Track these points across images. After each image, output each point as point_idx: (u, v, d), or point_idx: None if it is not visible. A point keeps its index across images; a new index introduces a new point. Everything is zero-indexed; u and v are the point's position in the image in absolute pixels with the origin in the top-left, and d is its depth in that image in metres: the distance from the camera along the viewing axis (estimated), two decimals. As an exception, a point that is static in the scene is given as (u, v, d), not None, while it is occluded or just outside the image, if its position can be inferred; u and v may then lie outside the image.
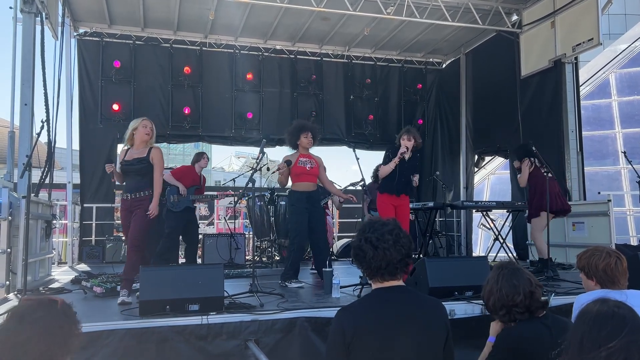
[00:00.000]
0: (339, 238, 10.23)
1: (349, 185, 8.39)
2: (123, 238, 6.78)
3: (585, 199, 7.87)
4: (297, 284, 5.44)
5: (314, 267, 6.34)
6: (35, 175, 5.90)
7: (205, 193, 7.39)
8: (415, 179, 5.68)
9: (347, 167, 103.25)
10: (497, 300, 2.42)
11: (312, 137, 5.81)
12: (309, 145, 5.80)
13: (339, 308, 2.21)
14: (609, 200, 6.99)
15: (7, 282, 5.02)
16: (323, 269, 5.07)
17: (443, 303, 2.30)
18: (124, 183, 4.93)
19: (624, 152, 7.29)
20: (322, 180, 5.92)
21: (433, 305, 2.22)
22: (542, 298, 2.46)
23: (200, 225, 10.71)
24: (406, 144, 5.49)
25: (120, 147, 8.73)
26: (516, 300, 2.37)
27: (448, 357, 2.15)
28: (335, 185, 6.79)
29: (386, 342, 2.02)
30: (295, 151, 5.83)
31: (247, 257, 8.31)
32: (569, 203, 6.76)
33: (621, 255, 2.83)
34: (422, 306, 2.16)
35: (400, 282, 2.19)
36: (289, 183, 5.87)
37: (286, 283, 5.47)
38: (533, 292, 2.40)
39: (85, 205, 8.98)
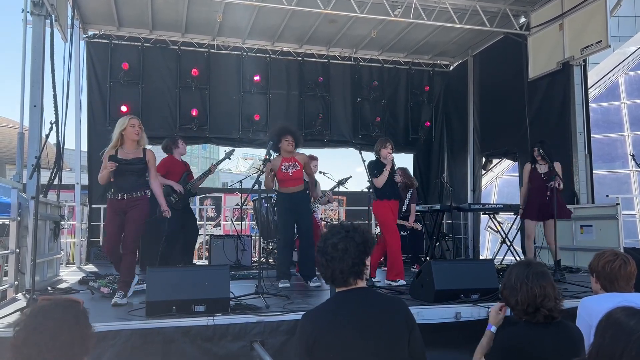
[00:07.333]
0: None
1: (336, 185, 7.83)
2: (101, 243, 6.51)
3: (593, 202, 7.81)
4: (284, 284, 5.49)
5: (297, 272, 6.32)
6: (44, 176, 5.95)
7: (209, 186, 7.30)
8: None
9: (353, 169, 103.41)
10: (526, 298, 2.41)
11: (295, 141, 5.75)
12: (291, 149, 5.74)
13: None
14: (618, 204, 6.92)
15: (16, 282, 5.07)
16: None
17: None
18: (113, 182, 4.68)
19: (633, 155, 7.24)
20: (308, 177, 6.03)
21: (392, 304, 2.26)
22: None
23: (207, 227, 10.74)
24: (389, 152, 5.86)
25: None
26: (546, 304, 2.38)
27: (415, 354, 2.17)
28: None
29: (345, 344, 2.07)
30: (278, 154, 5.79)
31: (253, 259, 8.31)
32: (578, 206, 6.74)
33: (630, 260, 2.81)
34: (381, 306, 2.20)
35: (362, 284, 2.24)
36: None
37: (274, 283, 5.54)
38: (557, 299, 2.43)
39: (93, 206, 9.03)
